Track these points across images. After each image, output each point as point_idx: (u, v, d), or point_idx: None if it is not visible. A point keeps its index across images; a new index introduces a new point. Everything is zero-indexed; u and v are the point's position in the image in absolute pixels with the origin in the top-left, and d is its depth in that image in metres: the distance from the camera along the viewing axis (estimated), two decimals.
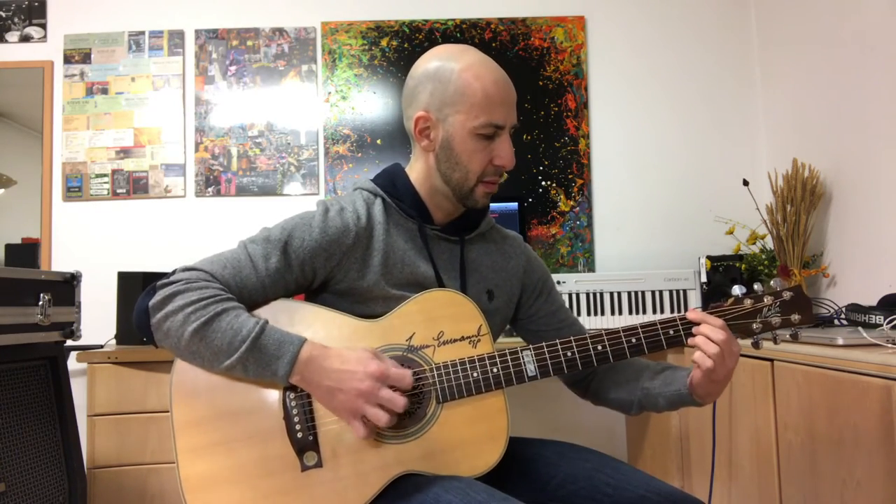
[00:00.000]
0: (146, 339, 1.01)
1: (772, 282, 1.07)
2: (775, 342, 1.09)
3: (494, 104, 1.05)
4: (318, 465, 1.00)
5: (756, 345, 1.08)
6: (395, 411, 0.96)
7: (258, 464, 0.99)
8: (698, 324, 1.03)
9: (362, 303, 1.08)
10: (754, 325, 1.05)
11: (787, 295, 1.05)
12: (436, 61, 1.08)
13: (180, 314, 0.97)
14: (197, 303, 0.97)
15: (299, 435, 1.00)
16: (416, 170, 1.15)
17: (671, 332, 1.04)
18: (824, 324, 1.58)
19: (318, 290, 1.12)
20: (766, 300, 1.05)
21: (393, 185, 1.14)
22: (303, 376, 0.98)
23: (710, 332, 1.01)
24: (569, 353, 1.04)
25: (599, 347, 1.04)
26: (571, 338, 1.05)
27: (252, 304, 1.05)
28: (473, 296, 1.14)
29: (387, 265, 1.09)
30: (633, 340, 1.04)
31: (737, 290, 1.06)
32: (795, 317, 1.05)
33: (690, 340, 1.03)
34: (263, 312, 1.05)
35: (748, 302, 1.05)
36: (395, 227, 1.12)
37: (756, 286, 1.07)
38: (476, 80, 1.04)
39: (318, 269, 1.07)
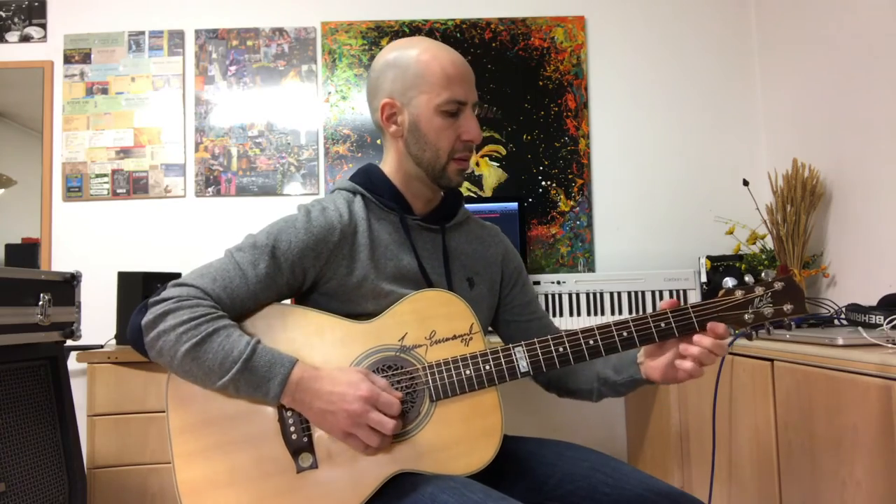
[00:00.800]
0: (141, 354, 1.02)
1: (763, 273, 1.07)
2: (769, 332, 1.08)
3: (454, 82, 1.09)
4: (314, 466, 1.00)
5: (749, 336, 1.07)
6: (385, 434, 0.97)
7: (254, 466, 0.99)
8: (690, 316, 1.03)
9: (353, 301, 1.09)
10: (746, 316, 1.04)
11: (778, 285, 1.05)
12: (393, 52, 1.12)
13: (172, 334, 0.97)
14: (188, 322, 0.97)
15: (294, 437, 1.00)
16: (389, 162, 1.18)
17: (662, 324, 1.04)
18: (824, 324, 1.58)
19: (308, 292, 1.13)
20: (757, 290, 1.05)
21: (370, 181, 1.17)
22: (293, 398, 0.99)
23: (715, 349, 1.01)
24: (560, 349, 1.04)
25: (591, 342, 1.04)
26: (563, 333, 1.05)
27: (245, 312, 1.06)
28: (456, 283, 1.16)
29: (374, 258, 1.10)
30: (625, 334, 1.04)
31: (728, 281, 1.06)
32: (788, 306, 1.04)
33: (689, 351, 1.01)
34: (257, 319, 1.06)
35: (739, 293, 1.05)
36: (377, 221, 1.14)
37: (747, 278, 1.07)
38: (434, 60, 1.09)
39: (308, 269, 1.08)
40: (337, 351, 1.05)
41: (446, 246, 1.18)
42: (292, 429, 1.01)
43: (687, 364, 1.01)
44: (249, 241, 1.07)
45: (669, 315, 1.04)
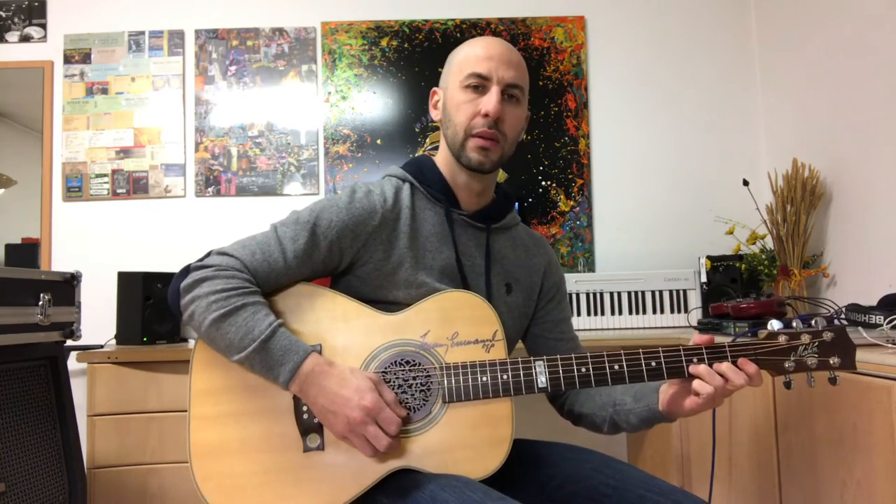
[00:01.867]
0: (178, 316, 1.06)
1: (814, 320, 1.01)
2: (810, 385, 1.02)
3: (479, 58, 1.11)
4: (320, 448, 1.01)
5: (787, 385, 1.02)
6: (377, 448, 0.98)
7: (263, 439, 1.01)
8: (725, 354, 1.00)
9: (385, 287, 1.10)
10: (786, 364, 1.00)
11: (827, 335, 1.00)
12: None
13: (204, 301, 1.00)
14: (221, 293, 1.00)
15: (305, 416, 1.02)
16: (441, 154, 1.19)
17: (695, 359, 1.01)
18: None
19: (343, 273, 1.13)
20: (802, 339, 1.00)
21: (420, 171, 1.18)
22: (301, 388, 1.00)
23: (733, 377, 0.97)
24: (583, 369, 1.02)
25: (616, 367, 1.02)
26: (587, 354, 1.03)
27: (280, 286, 1.08)
28: (494, 285, 1.16)
29: (413, 247, 1.11)
30: (653, 364, 1.01)
31: (774, 324, 1.01)
32: (835, 360, 0.99)
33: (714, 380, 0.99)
34: (288, 296, 1.08)
35: (782, 339, 1.01)
36: (422, 211, 1.14)
37: (795, 323, 1.02)
38: (468, 46, 1.15)
39: (345, 249, 1.09)
40: (359, 339, 1.06)
41: (490, 247, 1.18)
42: (304, 409, 1.02)
43: (707, 388, 0.97)
44: (293, 216, 1.10)
45: (704, 351, 1.01)
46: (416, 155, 1.25)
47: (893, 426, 1.11)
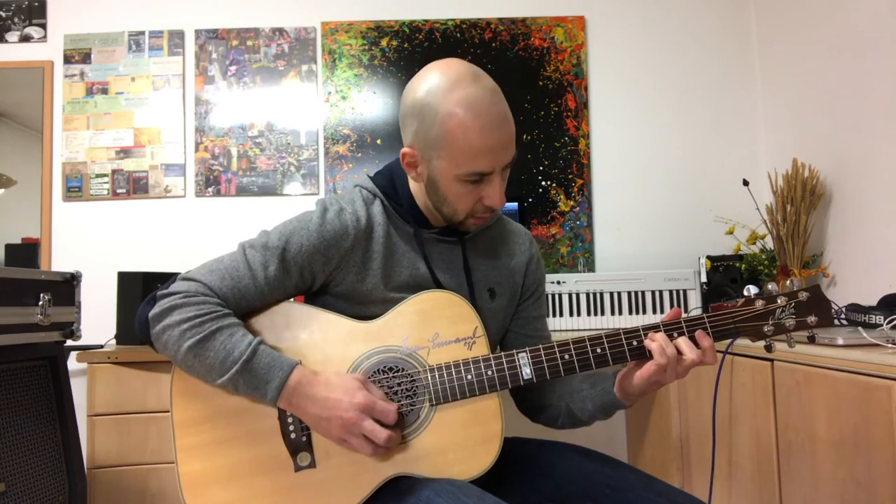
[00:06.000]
0: (148, 345, 1.03)
1: (788, 281, 1.03)
2: (790, 345, 1.04)
3: (480, 154, 0.98)
4: (312, 465, 1.00)
5: (769, 348, 1.03)
6: (377, 444, 0.96)
7: (253, 463, 1.00)
8: (705, 325, 1.01)
9: (362, 304, 1.08)
10: (765, 328, 1.01)
11: (803, 296, 1.02)
12: (423, 92, 1.01)
13: (177, 329, 0.98)
14: (193, 319, 0.98)
15: (293, 436, 1.01)
16: (417, 187, 1.13)
17: (675, 333, 1.01)
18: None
19: (318, 292, 1.12)
20: (779, 301, 1.01)
21: (392, 188, 1.14)
22: (290, 402, 0.99)
23: (686, 351, 0.98)
24: (566, 356, 1.02)
25: (598, 350, 1.02)
26: (569, 340, 1.03)
27: (251, 310, 1.06)
28: (477, 295, 1.14)
29: (386, 268, 1.09)
30: (635, 343, 1.02)
31: (750, 289, 1.03)
32: (812, 318, 1.01)
33: (647, 343, 1.00)
34: (262, 316, 1.06)
35: (759, 303, 1.02)
36: (396, 229, 1.12)
37: (770, 286, 1.03)
38: (459, 128, 0.97)
39: (317, 272, 1.07)
40: (339, 350, 1.05)
41: (467, 259, 1.15)
42: (291, 428, 1.01)
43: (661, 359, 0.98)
44: (262, 239, 1.06)
45: (683, 324, 1.01)
46: (390, 162, 1.20)
47: (893, 426, 1.11)
